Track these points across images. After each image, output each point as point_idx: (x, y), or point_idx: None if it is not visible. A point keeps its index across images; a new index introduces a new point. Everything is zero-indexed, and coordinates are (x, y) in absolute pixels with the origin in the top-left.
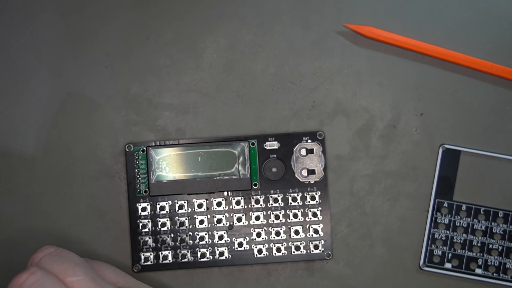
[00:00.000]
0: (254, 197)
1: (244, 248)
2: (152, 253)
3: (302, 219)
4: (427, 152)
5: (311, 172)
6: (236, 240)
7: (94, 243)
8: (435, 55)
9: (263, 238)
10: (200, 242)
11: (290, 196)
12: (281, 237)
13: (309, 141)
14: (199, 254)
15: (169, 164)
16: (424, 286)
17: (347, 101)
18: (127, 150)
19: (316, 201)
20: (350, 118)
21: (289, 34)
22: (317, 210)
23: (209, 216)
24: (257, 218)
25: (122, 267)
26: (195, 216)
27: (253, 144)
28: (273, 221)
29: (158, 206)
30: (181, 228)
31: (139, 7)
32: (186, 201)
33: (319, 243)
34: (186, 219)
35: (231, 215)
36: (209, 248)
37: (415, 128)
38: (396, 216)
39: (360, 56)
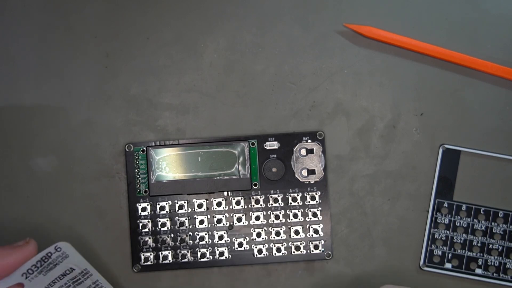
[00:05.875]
0: (254, 197)
1: (244, 248)
2: (152, 253)
3: (302, 219)
4: (427, 152)
5: (311, 172)
6: (236, 240)
7: (94, 243)
8: (435, 55)
9: (263, 238)
10: (200, 242)
11: (290, 196)
12: (281, 237)
13: (309, 141)
14: (199, 254)
15: (169, 164)
16: (424, 286)
17: (347, 101)
18: (127, 150)
19: (316, 201)
20: (350, 118)
21: (289, 34)
22: (317, 210)
23: (209, 216)
24: (257, 218)
25: (122, 267)
26: (195, 216)
27: (253, 144)
28: (273, 221)
29: (158, 206)
30: (181, 228)
31: (139, 7)
32: (186, 201)
33: (319, 243)
34: (186, 219)
35: (231, 215)
36: (209, 248)
37: (415, 128)
38: (396, 216)
39: (360, 56)
